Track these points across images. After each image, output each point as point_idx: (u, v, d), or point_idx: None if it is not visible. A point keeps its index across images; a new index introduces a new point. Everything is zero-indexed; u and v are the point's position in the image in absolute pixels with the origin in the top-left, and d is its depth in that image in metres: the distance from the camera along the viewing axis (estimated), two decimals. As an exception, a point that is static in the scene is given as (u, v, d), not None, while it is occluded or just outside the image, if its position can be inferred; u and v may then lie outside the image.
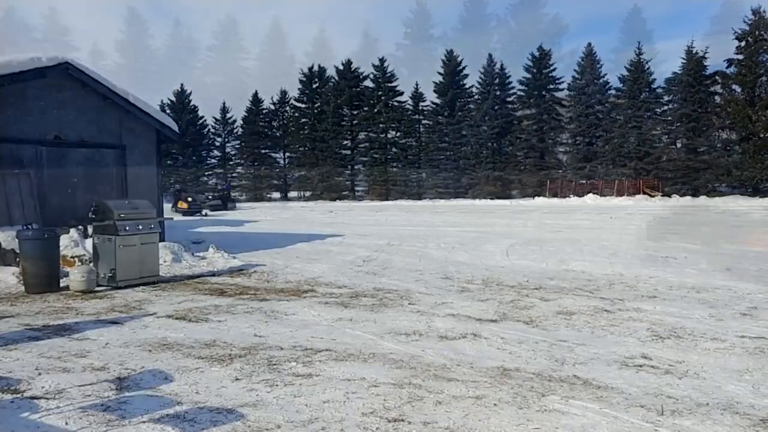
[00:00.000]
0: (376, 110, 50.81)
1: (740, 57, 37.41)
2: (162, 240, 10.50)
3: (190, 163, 52.64)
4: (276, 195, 56.34)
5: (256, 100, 56.23)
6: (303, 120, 54.49)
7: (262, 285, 8.57)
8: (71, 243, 9.90)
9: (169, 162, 49.39)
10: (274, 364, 4.65)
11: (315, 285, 8.47)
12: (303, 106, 54.73)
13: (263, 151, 56.64)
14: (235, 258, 11.15)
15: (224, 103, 57.26)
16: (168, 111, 50.93)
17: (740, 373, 4.36)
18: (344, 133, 52.72)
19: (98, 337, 5.55)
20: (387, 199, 46.77)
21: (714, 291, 7.62)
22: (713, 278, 8.59)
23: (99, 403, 3.81)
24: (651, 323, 5.92)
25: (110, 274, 8.40)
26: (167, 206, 32.17)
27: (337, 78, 52.82)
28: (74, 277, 8.13)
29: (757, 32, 36.75)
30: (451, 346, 5.16)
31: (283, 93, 55.75)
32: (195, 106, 55.01)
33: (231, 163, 58.43)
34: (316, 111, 53.25)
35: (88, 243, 9.54)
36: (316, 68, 54.11)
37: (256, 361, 4.75)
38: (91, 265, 8.72)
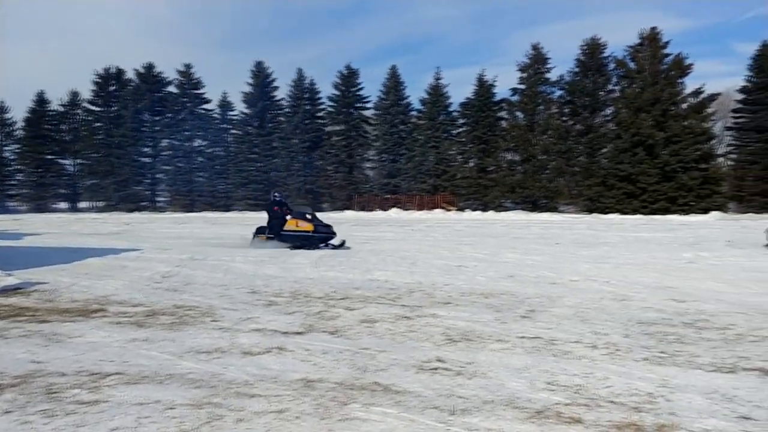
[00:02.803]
0: (180, 117, 48.62)
1: (522, 87, 41.97)
2: None
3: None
4: (63, 205, 51.24)
5: (41, 100, 50.81)
6: (97, 124, 50.32)
7: (43, 305, 7.68)
8: None
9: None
10: (54, 392, 4.16)
11: (106, 304, 7.79)
12: (97, 109, 50.60)
13: (48, 156, 51.22)
14: (10, 275, 9.86)
15: (1, 102, 50.96)
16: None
17: (520, 370, 4.79)
18: (145, 139, 49.65)
19: None
20: (192, 211, 44.87)
21: (499, 296, 8.35)
22: (499, 285, 9.42)
23: None
24: (445, 328, 6.31)
25: None
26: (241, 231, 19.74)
27: (137, 81, 49.65)
28: None
29: (535, 65, 41.55)
30: (255, 362, 5.03)
31: (74, 94, 51.08)
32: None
33: (9, 168, 51.99)
34: (112, 115, 49.49)
35: None
36: (113, 69, 50.36)
37: (32, 390, 4.21)
38: None
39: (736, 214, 34.45)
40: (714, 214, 31.79)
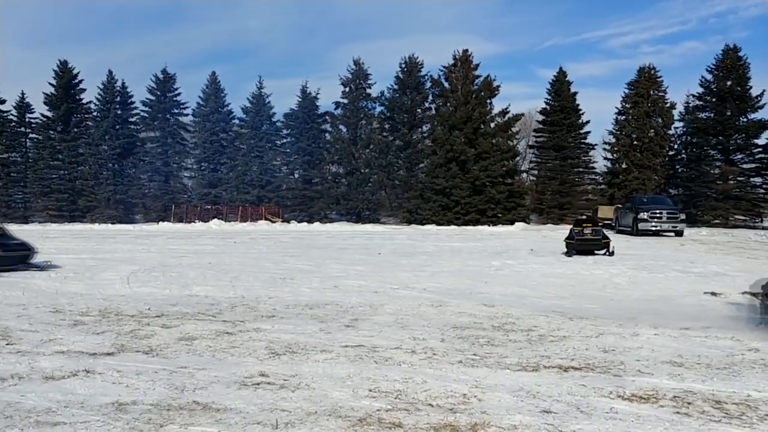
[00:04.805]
0: (-33, 118, 42.95)
1: (345, 101, 42.94)
2: None
3: None
4: None
5: None
6: None
7: None
8: None
9: None
10: None
11: None
12: None
13: None
14: None
15: None
16: None
17: (343, 379, 4.87)
18: None
19: None
20: (-19, 223, 39.71)
21: (324, 307, 8.44)
22: (324, 295, 9.53)
23: None
24: (269, 342, 6.23)
25: None
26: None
27: None
28: None
29: (357, 81, 42.78)
30: (58, 387, 4.59)
31: None
32: None
33: None
34: None
35: None
36: None
37: None
38: None
39: (538, 224, 38.20)
40: (519, 225, 34.93)
